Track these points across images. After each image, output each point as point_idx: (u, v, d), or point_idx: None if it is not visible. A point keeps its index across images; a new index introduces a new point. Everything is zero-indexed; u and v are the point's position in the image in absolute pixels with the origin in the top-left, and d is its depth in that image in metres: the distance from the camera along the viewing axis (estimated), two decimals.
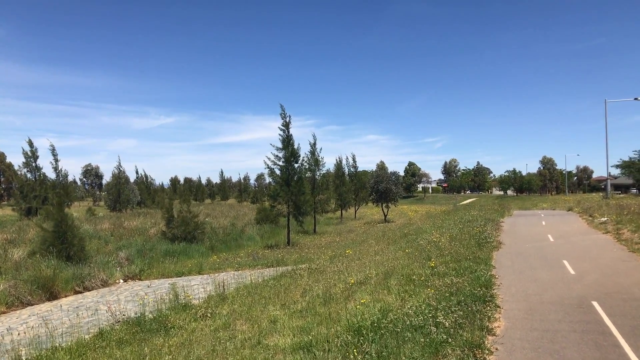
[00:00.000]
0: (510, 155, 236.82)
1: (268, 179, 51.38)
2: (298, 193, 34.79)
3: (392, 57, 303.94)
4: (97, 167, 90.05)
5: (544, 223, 28.20)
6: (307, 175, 46.87)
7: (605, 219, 25.47)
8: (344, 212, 62.39)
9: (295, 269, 20.06)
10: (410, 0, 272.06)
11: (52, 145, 58.46)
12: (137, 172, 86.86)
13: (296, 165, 35.42)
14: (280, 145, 34.62)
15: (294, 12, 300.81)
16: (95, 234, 35.66)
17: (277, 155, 34.63)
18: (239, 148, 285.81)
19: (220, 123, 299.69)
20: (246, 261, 25.94)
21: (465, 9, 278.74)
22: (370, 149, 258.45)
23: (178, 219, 34.37)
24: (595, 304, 10.27)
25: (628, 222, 22.15)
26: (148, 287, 22.24)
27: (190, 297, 14.81)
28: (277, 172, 35.24)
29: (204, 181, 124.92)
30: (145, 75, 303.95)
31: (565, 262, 15.07)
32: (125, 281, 25.54)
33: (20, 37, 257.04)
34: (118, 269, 26.71)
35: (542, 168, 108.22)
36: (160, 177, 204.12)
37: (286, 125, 34.82)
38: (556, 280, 12.69)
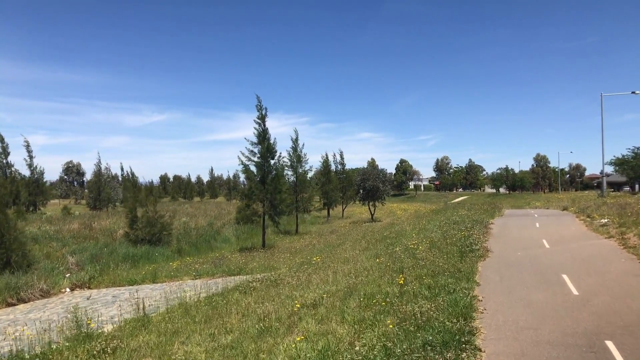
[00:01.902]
0: (503, 153, 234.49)
1: (242, 177, 48.19)
2: (274, 191, 31.85)
3: (386, 55, 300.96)
4: (79, 165, 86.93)
5: (537, 225, 25.29)
6: (288, 172, 44.09)
7: (606, 220, 22.64)
8: (332, 210, 59.53)
9: (252, 279, 17.16)
10: None
11: (26, 141, 55.29)
12: (122, 169, 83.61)
13: (272, 162, 32.47)
14: (255, 140, 31.69)
15: (288, 9, 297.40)
16: (55, 235, 32.63)
17: (251, 151, 31.72)
18: (233, 145, 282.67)
19: (214, 120, 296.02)
20: (207, 268, 22.99)
21: (458, 7, 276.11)
22: (364, 147, 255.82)
23: (143, 219, 31.38)
24: (610, 345, 7.38)
25: (633, 224, 19.25)
26: (88, 298, 19.33)
27: (104, 320, 11.90)
28: (253, 169, 32.32)
29: (193, 179, 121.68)
30: (138, 73, 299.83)
31: (565, 277, 12.18)
32: (72, 290, 22.69)
33: (11, 34, 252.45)
34: (67, 275, 23.85)
35: (535, 166, 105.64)
36: (153, 174, 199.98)
37: (262, 118, 31.91)
38: (556, 304, 9.78)
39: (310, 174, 49.04)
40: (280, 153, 32.40)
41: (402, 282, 11.50)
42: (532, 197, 71.72)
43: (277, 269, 20.66)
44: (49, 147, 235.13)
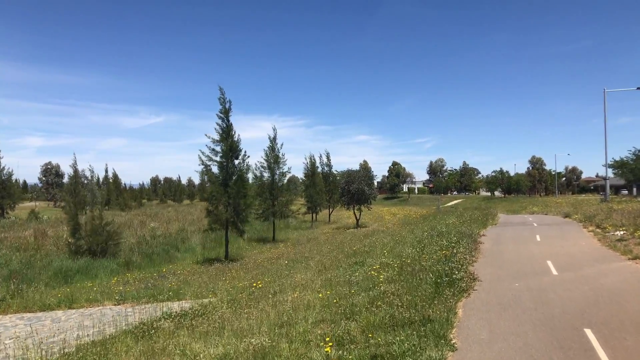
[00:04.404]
0: (499, 156, 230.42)
1: (199, 179, 43.51)
2: (237, 195, 27.29)
3: (383, 58, 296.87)
4: (57, 166, 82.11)
5: (538, 238, 20.60)
6: (264, 174, 39.66)
7: (622, 232, 18.08)
8: (319, 214, 54.97)
9: (164, 315, 12.72)
10: (402, 1, 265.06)
11: None
12: (106, 171, 79.03)
13: (237, 162, 27.91)
14: (217, 137, 27.13)
15: (285, 12, 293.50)
16: None
17: (213, 150, 27.12)
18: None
19: (210, 122, 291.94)
20: (137, 289, 18.44)
21: (455, 10, 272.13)
22: (361, 149, 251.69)
23: (86, 227, 26.79)
24: None
25: None
26: None
27: None
28: (215, 169, 27.77)
29: (184, 181, 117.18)
30: (135, 75, 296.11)
31: (591, 336, 7.60)
32: None
33: (9, 35, 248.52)
34: None
35: (530, 168, 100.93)
36: (149, 176, 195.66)
37: (225, 112, 27.40)
38: None
39: (288, 176, 44.56)
40: (245, 152, 27.84)
41: (328, 350, 6.99)
42: (528, 201, 67.00)
43: (215, 294, 16.18)
44: (47, 149, 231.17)
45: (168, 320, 11.97)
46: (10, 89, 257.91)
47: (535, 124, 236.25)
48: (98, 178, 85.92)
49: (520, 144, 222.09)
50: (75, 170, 36.12)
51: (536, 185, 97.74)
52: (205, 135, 26.45)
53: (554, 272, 12.91)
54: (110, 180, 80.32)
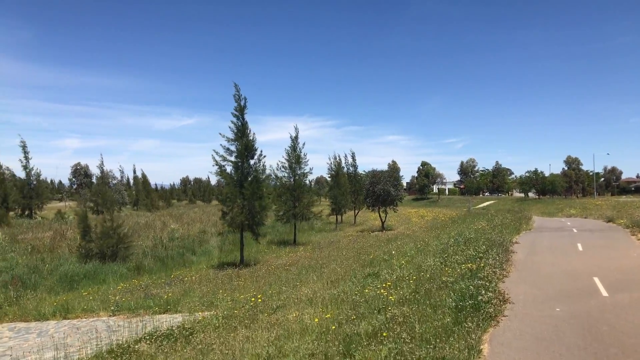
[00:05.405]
0: (532, 156, 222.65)
1: (215, 179, 42.04)
2: (252, 197, 25.69)
3: (412, 57, 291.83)
4: (87, 167, 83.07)
5: (580, 247, 18.10)
6: (284, 174, 38.05)
7: None
8: (344, 216, 53.04)
9: (147, 335, 11.19)
10: None
11: (22, 142, 51.06)
12: (134, 172, 79.30)
13: (252, 162, 26.34)
14: (231, 135, 25.62)
15: (313, 11, 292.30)
16: (11, 248, 27.38)
17: (227, 149, 25.62)
18: (260, 148, 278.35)
19: None
20: (134, 298, 17.04)
21: (486, 7, 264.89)
22: (390, 150, 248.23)
23: (97, 230, 25.73)
24: None
25: None
26: None
27: None
28: (229, 170, 26.29)
29: (213, 182, 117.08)
30: (167, 77, 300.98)
31: None
32: None
33: (44, 40, 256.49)
34: None
35: (566, 168, 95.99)
36: (180, 177, 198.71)
37: (240, 109, 25.85)
38: None
39: (315, 177, 42.87)
40: (261, 152, 26.24)
41: None
42: (565, 203, 63.07)
43: (212, 307, 14.57)
44: (82, 150, 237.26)
45: (148, 343, 10.39)
46: (48, 93, 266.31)
47: (571, 123, 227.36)
48: (127, 179, 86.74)
49: (555, 144, 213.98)
50: (102, 171, 35.66)
51: (573, 186, 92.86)
52: (220, 134, 24.99)
53: (604, 292, 10.64)
54: (140, 181, 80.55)
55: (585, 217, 35.60)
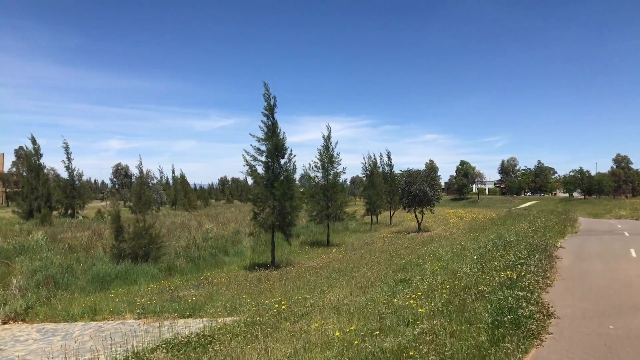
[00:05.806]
0: (577, 154, 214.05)
1: (247, 179, 41.77)
2: (283, 197, 25.21)
3: (450, 55, 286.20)
4: (127, 167, 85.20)
5: (633, 253, 16.51)
6: (317, 174, 37.46)
7: None
8: (380, 216, 51.98)
9: (164, 342, 10.78)
10: None
11: (65, 143, 52.34)
12: (173, 172, 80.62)
13: (282, 161, 25.88)
14: (261, 135, 25.24)
15: (351, 11, 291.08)
16: (48, 246, 27.88)
17: (258, 149, 25.26)
18: (295, 149, 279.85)
19: (279, 124, 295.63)
20: (157, 303, 16.74)
21: (525, 5, 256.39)
22: (428, 149, 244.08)
23: (129, 230, 25.83)
24: None
25: None
26: None
27: None
28: (260, 170, 25.94)
29: (250, 182, 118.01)
30: (206, 79, 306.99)
31: None
32: (5, 323, 17.54)
33: (91, 46, 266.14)
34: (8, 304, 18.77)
35: (615, 167, 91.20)
36: (218, 177, 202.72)
37: (270, 109, 25.41)
38: None
39: (344, 177, 42.05)
40: (292, 151, 25.74)
41: None
42: (613, 204, 59.70)
43: (237, 312, 14.07)
44: (125, 151, 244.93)
45: (164, 352, 9.94)
46: (94, 96, 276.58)
47: (619, 121, 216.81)
48: (167, 179, 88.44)
49: (601, 142, 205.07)
50: (140, 172, 36.11)
51: (622, 185, 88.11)
52: (250, 134, 24.65)
53: None
54: (178, 181, 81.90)
55: (636, 219, 33.28)
